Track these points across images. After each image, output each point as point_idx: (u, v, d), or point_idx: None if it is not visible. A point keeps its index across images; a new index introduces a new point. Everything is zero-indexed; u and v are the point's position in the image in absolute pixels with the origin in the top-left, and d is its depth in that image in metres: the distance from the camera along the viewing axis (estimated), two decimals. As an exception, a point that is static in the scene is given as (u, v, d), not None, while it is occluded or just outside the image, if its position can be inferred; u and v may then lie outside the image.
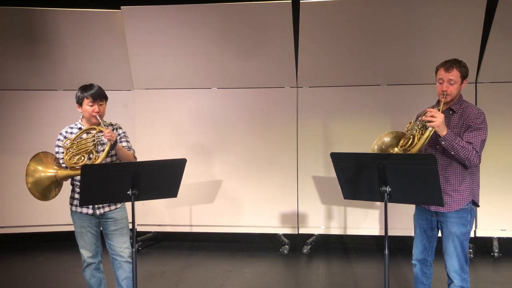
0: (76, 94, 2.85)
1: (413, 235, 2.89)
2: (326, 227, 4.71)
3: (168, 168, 2.61)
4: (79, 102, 2.84)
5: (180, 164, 2.60)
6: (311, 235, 4.77)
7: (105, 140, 2.76)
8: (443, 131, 2.46)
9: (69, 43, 4.59)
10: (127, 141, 2.98)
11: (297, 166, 4.72)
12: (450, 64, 2.56)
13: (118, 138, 2.86)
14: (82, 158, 2.75)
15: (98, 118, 2.80)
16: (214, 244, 5.05)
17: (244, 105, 4.78)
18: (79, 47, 4.61)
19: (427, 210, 2.71)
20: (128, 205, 2.87)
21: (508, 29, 4.07)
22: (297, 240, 4.85)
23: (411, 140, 2.58)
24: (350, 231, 4.68)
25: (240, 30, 4.42)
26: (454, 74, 2.54)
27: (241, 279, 3.95)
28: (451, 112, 2.65)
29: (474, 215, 2.68)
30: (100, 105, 2.84)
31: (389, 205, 2.39)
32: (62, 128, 2.91)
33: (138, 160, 2.99)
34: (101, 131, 2.79)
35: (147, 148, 4.66)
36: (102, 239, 2.97)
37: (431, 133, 2.48)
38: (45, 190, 2.71)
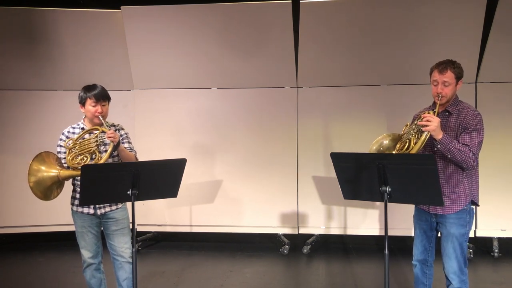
0: (79, 94, 2.84)
1: (413, 235, 2.89)
2: (326, 227, 4.71)
3: (168, 168, 2.61)
4: (82, 102, 2.83)
5: (180, 164, 2.60)
6: (311, 235, 4.77)
7: (108, 141, 2.75)
8: (438, 135, 2.45)
9: (69, 43, 4.59)
10: (129, 142, 2.98)
11: (297, 166, 4.72)
12: (444, 65, 2.54)
13: (120, 139, 2.86)
14: (85, 158, 2.74)
15: (101, 118, 2.79)
16: (214, 244, 5.05)
17: (244, 105, 4.78)
18: (79, 47, 4.61)
19: (426, 212, 2.71)
20: (128, 205, 2.88)
21: (508, 29, 4.07)
22: (297, 240, 4.85)
23: (407, 144, 2.58)
24: (350, 231, 4.68)
25: (240, 30, 4.42)
26: (449, 76, 2.52)
27: (241, 279, 3.95)
28: (447, 114, 2.64)
29: (473, 216, 2.68)
30: (103, 105, 2.83)
31: (389, 205, 2.39)
32: (62, 128, 2.90)
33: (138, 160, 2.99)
34: (103, 132, 2.78)
35: (147, 148, 4.66)
36: (102, 239, 2.97)
37: (427, 137, 2.47)
38: (47, 190, 2.70)
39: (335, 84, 4.63)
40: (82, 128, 2.87)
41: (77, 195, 2.86)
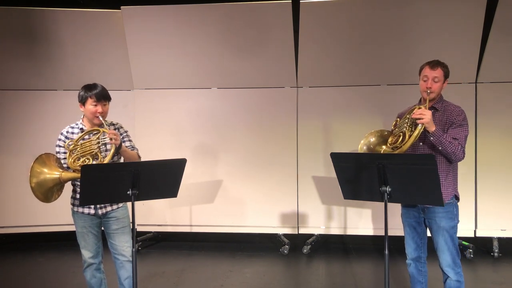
0: (79, 93, 2.80)
1: None
2: (326, 227, 4.71)
3: (168, 168, 2.60)
4: (83, 102, 2.79)
5: (180, 164, 2.60)
6: (311, 235, 4.77)
7: (109, 141, 2.74)
8: (432, 127, 2.56)
9: (69, 43, 4.59)
10: (130, 140, 2.97)
11: (297, 166, 4.72)
12: (435, 63, 2.72)
13: (120, 137, 2.84)
14: (87, 160, 2.72)
15: (101, 118, 2.77)
16: (214, 244, 5.05)
17: (244, 105, 4.78)
18: (79, 47, 4.61)
19: (414, 207, 2.77)
20: (128, 205, 2.88)
21: (508, 29, 4.07)
22: (297, 240, 4.85)
23: (401, 137, 2.65)
24: (350, 231, 4.68)
25: (240, 30, 4.42)
26: (439, 72, 2.69)
27: (241, 279, 3.95)
28: (433, 110, 2.74)
29: (458, 209, 2.76)
30: (104, 105, 2.80)
31: (389, 205, 2.40)
32: (62, 128, 2.88)
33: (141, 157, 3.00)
34: (104, 133, 2.76)
35: (147, 148, 4.63)
36: (103, 239, 2.97)
37: (421, 129, 2.57)
38: (48, 192, 2.69)
39: (335, 84, 4.63)
40: (81, 129, 2.85)
41: (77, 196, 2.85)
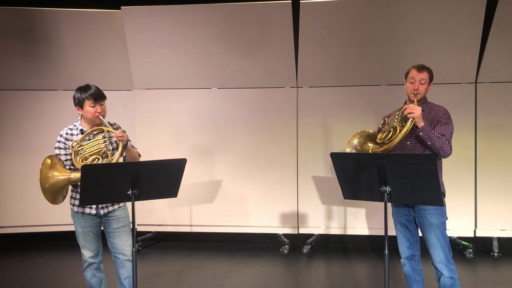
0: (75, 96, 2.81)
1: None
2: (326, 227, 4.71)
3: (168, 168, 2.61)
4: (80, 104, 2.80)
5: (180, 164, 2.60)
6: (311, 235, 4.77)
7: (114, 139, 2.76)
8: (421, 123, 2.66)
9: (69, 43, 4.59)
10: (128, 140, 2.98)
11: (297, 166, 4.72)
12: (422, 66, 2.83)
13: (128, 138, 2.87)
14: (97, 159, 2.74)
15: (101, 118, 2.79)
16: (214, 244, 5.05)
17: (244, 105, 4.78)
18: (79, 47, 4.61)
19: (404, 205, 2.81)
20: (128, 205, 2.88)
21: (508, 28, 4.07)
22: (297, 240, 4.85)
23: (391, 132, 2.74)
24: (350, 231, 4.68)
25: (240, 30, 4.42)
26: (425, 75, 2.80)
27: (241, 279, 3.95)
28: None
29: (445, 206, 2.81)
30: (101, 105, 2.82)
31: (389, 205, 2.40)
32: (61, 129, 2.87)
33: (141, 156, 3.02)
34: (108, 132, 2.79)
35: (147, 148, 4.64)
36: (103, 239, 2.97)
37: (412, 124, 2.65)
38: (57, 193, 2.71)
39: (335, 84, 4.63)
40: (81, 130, 2.84)
41: (78, 196, 2.85)
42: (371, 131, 2.99)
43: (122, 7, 4.38)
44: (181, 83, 4.80)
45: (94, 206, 2.84)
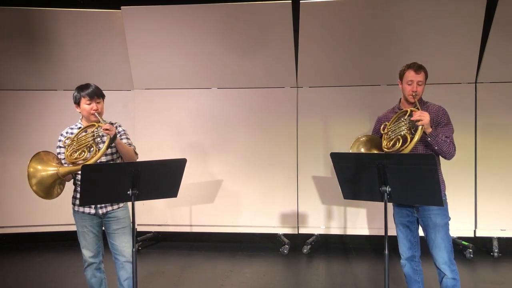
0: (73, 94, 2.86)
1: None
2: (326, 227, 4.71)
3: (168, 168, 2.61)
4: (77, 102, 2.85)
5: (180, 164, 2.60)
6: (311, 235, 4.77)
7: (104, 133, 2.75)
8: (429, 129, 2.61)
9: (69, 43, 4.59)
10: (127, 138, 2.99)
11: (297, 166, 4.72)
12: (418, 66, 2.76)
13: (118, 135, 2.87)
14: (83, 153, 2.75)
15: (97, 115, 2.81)
16: (214, 244, 5.05)
17: (244, 105, 4.78)
18: (79, 47, 4.61)
19: (406, 206, 2.78)
20: (128, 205, 2.88)
21: (509, 28, 4.07)
22: (297, 240, 4.85)
23: (400, 141, 2.64)
24: (350, 231, 4.68)
25: (240, 30, 4.42)
26: (422, 76, 2.75)
27: (241, 279, 3.95)
28: None
29: (448, 206, 2.79)
30: (98, 103, 2.85)
31: (389, 205, 2.39)
32: (62, 128, 2.91)
33: (138, 160, 2.99)
34: (100, 127, 2.78)
35: (147, 148, 4.66)
36: (103, 239, 2.97)
37: (422, 132, 2.58)
38: (49, 189, 2.70)
39: (335, 84, 4.63)
40: (80, 128, 2.88)
41: (78, 195, 2.86)
42: (370, 135, 2.93)
43: (122, 7, 4.38)
44: (181, 83, 4.80)
45: (93, 206, 2.84)
